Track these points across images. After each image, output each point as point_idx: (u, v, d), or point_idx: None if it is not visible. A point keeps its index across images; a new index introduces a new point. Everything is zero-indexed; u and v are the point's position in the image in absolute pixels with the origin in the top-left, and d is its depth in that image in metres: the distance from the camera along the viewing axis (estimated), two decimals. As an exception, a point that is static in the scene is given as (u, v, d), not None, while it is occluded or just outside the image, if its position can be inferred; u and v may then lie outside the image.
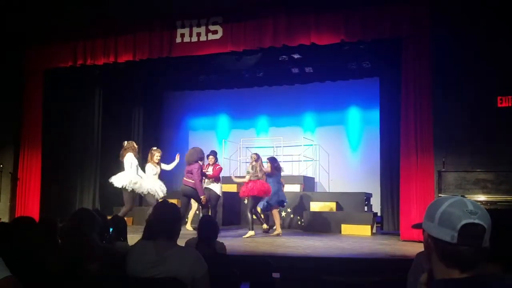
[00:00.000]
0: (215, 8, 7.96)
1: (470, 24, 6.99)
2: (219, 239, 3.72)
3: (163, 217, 2.48)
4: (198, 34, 8.04)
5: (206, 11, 8.00)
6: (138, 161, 7.87)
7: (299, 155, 11.39)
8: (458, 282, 1.28)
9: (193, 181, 7.19)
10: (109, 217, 3.81)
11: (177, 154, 8.23)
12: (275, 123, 11.95)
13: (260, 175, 7.69)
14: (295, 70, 10.25)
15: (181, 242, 2.71)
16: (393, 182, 8.34)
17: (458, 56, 7.00)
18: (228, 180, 9.02)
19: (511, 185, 6.56)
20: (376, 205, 9.56)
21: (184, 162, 7.67)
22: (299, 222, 9.30)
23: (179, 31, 8.14)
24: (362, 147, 11.13)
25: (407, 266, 2.15)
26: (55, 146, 9.25)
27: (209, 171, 7.96)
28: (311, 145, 11.51)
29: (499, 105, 6.84)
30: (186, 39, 8.11)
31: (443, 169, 6.91)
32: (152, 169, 7.77)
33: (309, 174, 11.19)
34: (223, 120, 12.53)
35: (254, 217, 7.96)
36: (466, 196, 1.30)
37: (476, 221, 1.28)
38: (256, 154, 8.01)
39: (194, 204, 8.52)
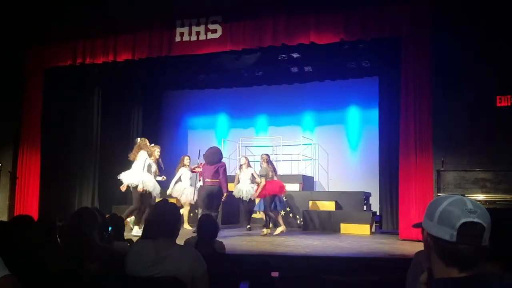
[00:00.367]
0: (215, 7, 7.96)
1: (470, 24, 6.99)
2: (218, 238, 3.72)
3: (163, 217, 2.48)
4: (198, 33, 8.04)
5: (206, 10, 7.99)
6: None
7: (298, 154, 11.39)
8: (457, 281, 1.28)
9: (218, 180, 7.29)
10: (107, 216, 3.81)
11: (163, 177, 8.03)
12: (274, 122, 11.95)
13: (271, 175, 7.90)
14: (295, 69, 10.25)
15: (180, 241, 2.71)
16: (392, 181, 8.34)
17: (457, 56, 7.00)
18: (231, 179, 8.98)
19: (510, 184, 6.57)
20: (375, 204, 9.58)
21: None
22: (298, 221, 9.31)
23: (179, 30, 8.14)
24: (361, 147, 11.13)
25: (406, 265, 2.15)
26: (54, 145, 9.25)
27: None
28: (310, 144, 11.51)
29: (498, 105, 6.85)
30: (186, 38, 8.11)
31: (442, 169, 6.92)
32: (152, 167, 7.66)
33: (308, 173, 11.20)
34: (222, 119, 12.53)
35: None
36: (465, 195, 1.29)
37: (475, 219, 1.28)
38: (267, 154, 8.26)
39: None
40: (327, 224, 8.66)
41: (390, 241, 7.07)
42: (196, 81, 11.50)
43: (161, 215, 2.50)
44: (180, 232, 2.67)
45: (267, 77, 10.93)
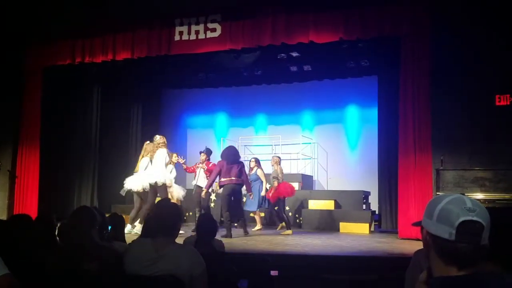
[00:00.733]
0: (214, 6, 7.95)
1: (469, 24, 7.00)
2: (218, 238, 3.72)
3: (165, 215, 2.48)
4: (197, 32, 8.03)
5: (205, 9, 7.99)
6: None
7: (297, 153, 11.39)
8: (456, 279, 1.28)
9: (242, 179, 7.42)
10: (107, 215, 3.80)
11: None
12: (274, 121, 11.94)
13: (281, 176, 8.08)
14: (294, 68, 10.24)
15: (179, 240, 2.71)
16: (391, 180, 8.35)
17: (457, 56, 7.01)
18: None
19: (509, 183, 6.58)
20: (374, 203, 9.58)
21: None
22: (297, 220, 9.31)
23: (178, 29, 8.13)
24: (360, 145, 11.13)
25: (405, 264, 2.16)
26: (53, 144, 9.25)
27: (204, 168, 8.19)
28: (310, 143, 11.51)
29: (497, 104, 6.86)
30: (185, 37, 8.10)
31: (441, 167, 6.93)
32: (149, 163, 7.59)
33: (308, 172, 11.20)
34: (221, 118, 12.52)
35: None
36: (464, 194, 1.29)
37: (474, 218, 1.27)
38: (278, 156, 8.41)
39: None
40: (326, 223, 8.66)
41: (389, 240, 7.08)
42: (195, 80, 11.48)
43: (162, 213, 2.50)
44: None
45: (267, 76, 10.92)
